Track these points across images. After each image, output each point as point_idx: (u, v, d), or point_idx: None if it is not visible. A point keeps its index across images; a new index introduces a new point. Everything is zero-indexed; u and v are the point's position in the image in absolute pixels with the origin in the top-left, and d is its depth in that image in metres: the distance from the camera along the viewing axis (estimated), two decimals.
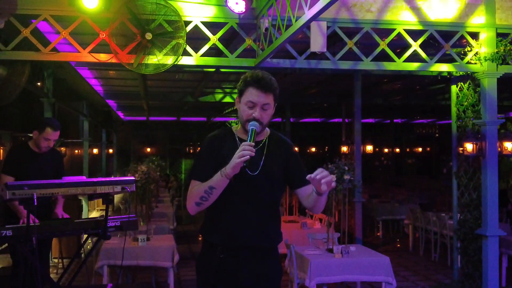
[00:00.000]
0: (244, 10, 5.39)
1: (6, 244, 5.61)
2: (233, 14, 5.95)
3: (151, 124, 22.36)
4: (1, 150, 6.37)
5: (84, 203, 11.21)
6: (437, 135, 24.40)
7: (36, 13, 5.78)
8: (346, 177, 6.75)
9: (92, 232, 4.19)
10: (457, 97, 7.07)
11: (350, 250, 6.50)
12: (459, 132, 7.01)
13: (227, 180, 2.75)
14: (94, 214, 13.30)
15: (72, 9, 5.61)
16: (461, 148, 6.86)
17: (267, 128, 2.99)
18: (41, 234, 3.82)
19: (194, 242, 11.51)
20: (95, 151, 16.52)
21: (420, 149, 24.21)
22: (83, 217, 10.55)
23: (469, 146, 6.51)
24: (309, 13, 4.13)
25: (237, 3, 5.33)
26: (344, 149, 10.12)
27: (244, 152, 2.67)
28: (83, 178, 4.03)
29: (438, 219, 9.71)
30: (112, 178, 4.15)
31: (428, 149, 24.66)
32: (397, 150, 21.26)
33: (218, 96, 14.36)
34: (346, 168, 6.78)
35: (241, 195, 2.88)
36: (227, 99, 14.51)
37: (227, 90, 13.81)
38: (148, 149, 22.85)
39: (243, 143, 2.74)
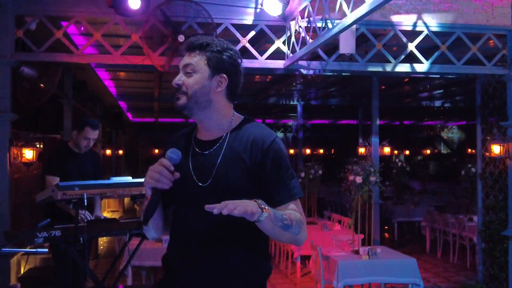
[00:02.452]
0: (280, 12, 5.42)
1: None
2: (262, 16, 5.99)
3: (159, 125, 22.40)
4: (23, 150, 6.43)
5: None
6: (445, 137, 24.44)
7: (67, 15, 5.81)
8: (372, 178, 6.78)
9: (136, 233, 4.22)
10: (482, 99, 7.09)
11: (377, 252, 6.52)
12: (484, 134, 7.03)
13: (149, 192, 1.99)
14: (105, 214, 13.34)
15: (104, 11, 5.64)
16: (486, 151, 6.91)
17: (236, 115, 2.20)
18: (89, 234, 3.85)
19: None
20: (108, 152, 16.56)
21: (428, 151, 24.23)
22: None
23: (496, 148, 6.53)
24: (352, 16, 4.14)
25: (273, 6, 5.36)
26: (362, 150, 10.13)
27: (149, 177, 1.96)
28: (129, 178, 4.07)
29: (456, 221, 9.73)
30: None
31: (436, 151, 24.68)
32: (407, 152, 21.29)
33: None
34: (372, 169, 6.82)
35: (191, 213, 2.08)
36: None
37: None
38: (156, 151, 22.88)
39: (160, 160, 1.98)
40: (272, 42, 6.28)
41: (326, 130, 22.74)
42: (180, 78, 2.09)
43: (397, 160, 12.34)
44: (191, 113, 2.11)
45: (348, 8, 4.23)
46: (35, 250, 3.12)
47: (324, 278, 6.56)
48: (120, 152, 20.00)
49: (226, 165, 2.06)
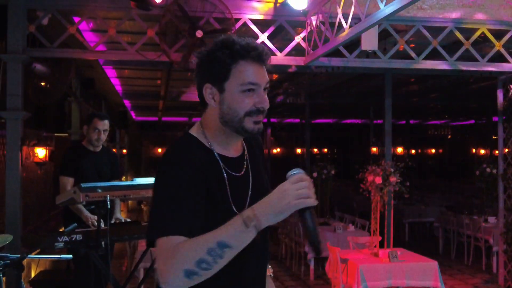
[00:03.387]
0: (306, 6, 5.23)
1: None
2: (282, 11, 5.80)
3: (162, 124, 22.23)
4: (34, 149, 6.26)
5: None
6: (449, 136, 24.29)
7: (80, 9, 5.62)
8: (393, 179, 6.59)
9: None
10: (504, 97, 6.91)
11: (397, 255, 6.35)
12: (506, 133, 6.86)
13: (254, 233, 1.57)
14: None
15: (119, 6, 5.46)
16: (506, 149, 6.73)
17: None
18: (111, 238, 3.66)
19: None
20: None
21: (433, 151, 24.08)
22: None
23: None
24: (386, 10, 3.95)
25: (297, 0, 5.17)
26: (374, 149, 9.96)
27: (296, 197, 1.56)
28: (152, 179, 3.87)
29: (471, 222, 9.54)
30: None
31: (441, 150, 24.53)
32: (413, 151, 21.13)
33: None
34: (392, 170, 6.63)
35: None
36: None
37: None
38: (159, 150, 22.71)
39: (297, 174, 1.61)
40: (291, 39, 6.09)
41: (332, 129, 22.57)
42: (265, 99, 1.78)
43: (407, 159, 12.17)
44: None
45: (382, 2, 4.03)
46: (59, 256, 2.93)
47: (342, 282, 6.38)
48: (124, 151, 19.83)
49: (256, 182, 1.85)
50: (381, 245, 7.17)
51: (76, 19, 5.82)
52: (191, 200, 1.66)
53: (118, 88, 12.76)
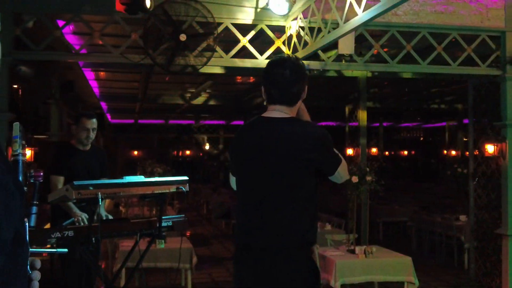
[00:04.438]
0: (287, 12, 5.43)
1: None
2: (263, 15, 5.99)
3: (139, 127, 22.23)
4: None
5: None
6: (421, 138, 24.80)
7: (65, 13, 5.72)
8: (369, 178, 6.83)
9: (146, 233, 4.17)
10: (474, 100, 7.21)
11: (373, 251, 6.57)
12: (477, 135, 7.15)
13: None
14: None
15: (103, 10, 5.57)
16: (476, 150, 7.04)
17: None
18: (102, 235, 3.78)
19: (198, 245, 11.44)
20: None
21: (405, 152, 24.55)
22: None
23: (490, 148, 6.65)
24: (364, 16, 4.17)
25: (279, 5, 5.36)
26: (350, 151, 10.19)
27: None
28: (142, 177, 4.01)
29: (443, 220, 9.85)
30: (168, 179, 4.14)
31: (413, 152, 25.03)
32: (387, 153, 21.53)
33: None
34: (368, 169, 6.87)
35: None
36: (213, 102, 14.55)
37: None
38: (136, 152, 22.68)
39: None
40: (271, 42, 6.29)
41: None
42: None
43: (381, 160, 12.48)
44: None
45: (360, 8, 4.25)
46: (55, 250, 3.06)
47: (321, 278, 6.57)
48: None
49: None
50: (357, 242, 7.39)
51: (60, 22, 5.91)
52: None
53: (96, 90, 12.81)
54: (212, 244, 11.89)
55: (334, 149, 2.70)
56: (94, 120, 4.99)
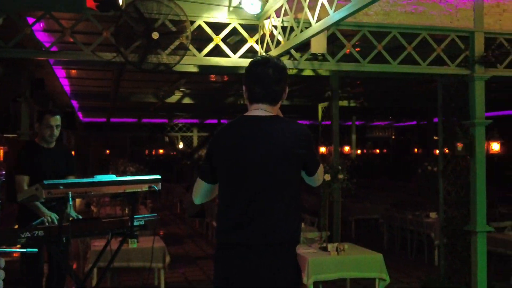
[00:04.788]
0: (259, 11, 5.44)
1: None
2: (236, 14, 6.00)
3: (111, 125, 22.00)
4: None
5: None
6: (393, 136, 25.10)
7: (36, 10, 5.64)
8: (340, 176, 6.89)
9: (118, 232, 4.14)
10: (443, 99, 7.32)
11: (345, 248, 6.64)
12: (446, 133, 7.27)
13: None
14: None
15: (76, 7, 5.51)
16: (445, 148, 7.16)
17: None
18: (72, 234, 3.75)
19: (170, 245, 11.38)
20: None
21: (377, 151, 24.81)
22: None
23: (459, 146, 6.77)
24: (335, 16, 4.21)
25: (252, 4, 5.36)
26: (323, 149, 10.28)
27: None
28: (113, 176, 3.99)
29: (414, 217, 10.01)
30: (140, 177, 4.12)
31: (385, 150, 25.32)
32: (359, 151, 21.73)
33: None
34: (340, 167, 6.93)
35: None
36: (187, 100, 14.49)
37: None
38: (108, 151, 22.45)
39: None
40: (244, 41, 6.30)
41: None
42: None
43: (353, 158, 12.60)
44: None
45: (331, 8, 4.29)
46: (25, 250, 3.02)
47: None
48: (73, 153, 19.47)
49: None
50: (330, 240, 7.45)
51: (31, 19, 5.82)
52: None
53: (67, 88, 12.64)
54: (186, 243, 11.85)
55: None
56: (58, 117, 4.93)
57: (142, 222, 4.23)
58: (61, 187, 3.56)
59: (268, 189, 2.60)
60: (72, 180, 3.88)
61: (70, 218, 4.32)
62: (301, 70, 6.76)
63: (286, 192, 2.62)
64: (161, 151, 24.48)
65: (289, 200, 2.63)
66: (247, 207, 2.59)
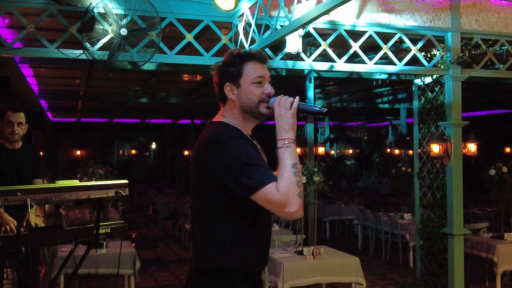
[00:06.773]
0: (233, 7, 5.24)
1: None
2: (208, 11, 5.80)
3: (81, 125, 21.54)
4: None
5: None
6: (365, 137, 25.16)
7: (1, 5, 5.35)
8: (316, 178, 6.74)
9: (83, 240, 3.90)
10: (419, 99, 7.24)
11: (321, 252, 6.50)
12: (422, 134, 7.18)
13: (294, 146, 2.26)
14: None
15: (38, 1, 5.24)
16: (421, 149, 7.08)
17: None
18: (32, 243, 3.49)
19: (141, 248, 11.12)
20: None
21: (350, 151, 24.84)
22: None
23: (435, 148, 6.68)
24: (310, 14, 4.05)
25: (225, 0, 5.17)
26: (297, 151, 10.16)
27: (288, 102, 2.25)
28: (76, 182, 3.74)
29: (388, 219, 9.93)
30: (106, 182, 3.88)
31: (358, 150, 25.36)
32: (332, 152, 21.70)
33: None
34: (316, 169, 6.77)
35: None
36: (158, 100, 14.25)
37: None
38: (78, 152, 21.98)
39: (275, 100, 2.28)
40: (217, 40, 6.10)
41: (257, 131, 22.76)
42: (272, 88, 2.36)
43: (328, 159, 12.51)
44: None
45: (307, 7, 4.12)
46: None
47: (269, 280, 6.45)
48: (41, 153, 19.02)
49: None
50: (305, 243, 7.31)
51: None
52: (260, 156, 2.31)
53: (35, 87, 12.26)
54: (158, 247, 11.59)
55: (253, 168, 2.18)
56: (21, 114, 4.66)
57: (108, 230, 3.99)
58: (19, 194, 3.30)
59: (194, 205, 2.43)
60: (30, 186, 3.61)
61: (30, 226, 4.08)
62: (275, 69, 6.60)
63: (207, 211, 2.33)
64: (133, 151, 24.08)
65: (211, 220, 2.32)
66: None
